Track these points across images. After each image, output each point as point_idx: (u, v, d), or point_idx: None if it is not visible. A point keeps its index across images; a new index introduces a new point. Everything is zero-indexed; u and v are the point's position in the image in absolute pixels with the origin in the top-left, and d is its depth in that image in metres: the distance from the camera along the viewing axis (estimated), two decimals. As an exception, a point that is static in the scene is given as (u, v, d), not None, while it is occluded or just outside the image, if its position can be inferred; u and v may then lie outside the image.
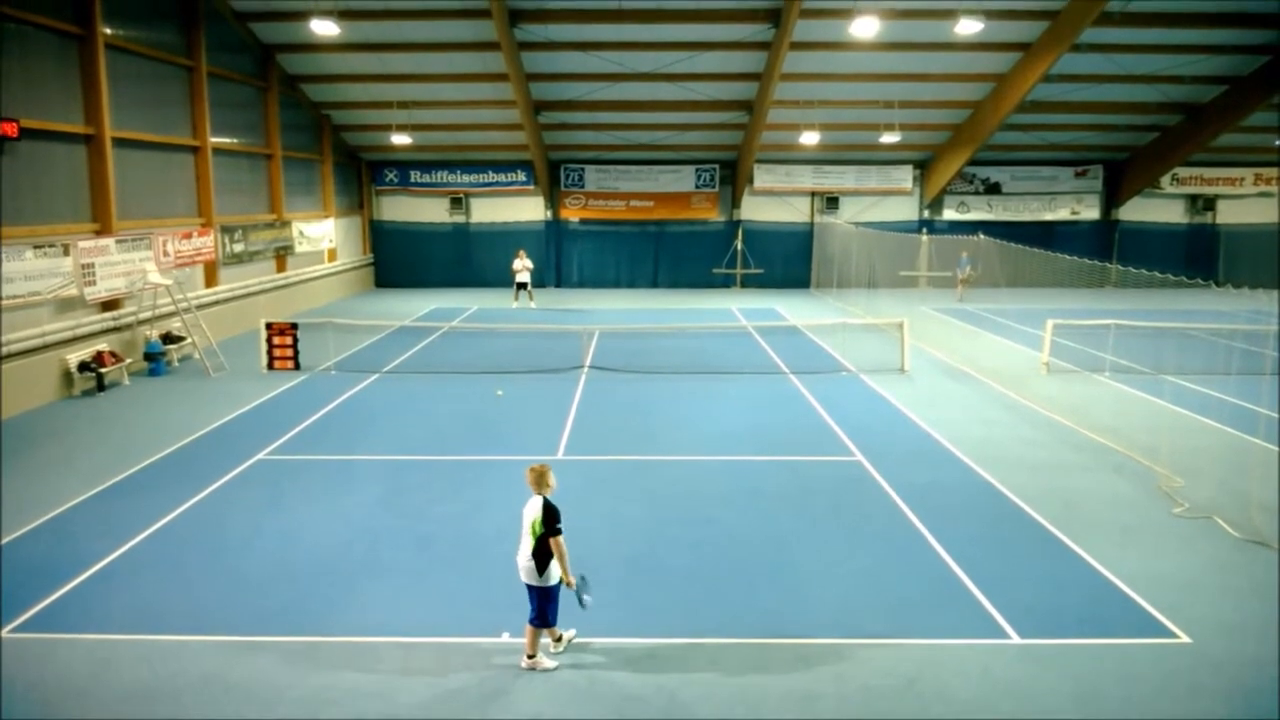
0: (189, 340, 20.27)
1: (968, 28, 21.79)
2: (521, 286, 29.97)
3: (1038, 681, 7.28)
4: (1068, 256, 29.69)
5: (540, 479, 7.45)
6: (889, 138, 31.30)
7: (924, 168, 35.74)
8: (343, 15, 22.82)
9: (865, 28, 21.76)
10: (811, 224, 36.25)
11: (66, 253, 17.32)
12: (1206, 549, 9.96)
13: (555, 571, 7.36)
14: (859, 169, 35.37)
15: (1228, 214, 36.96)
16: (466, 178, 35.29)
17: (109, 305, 18.99)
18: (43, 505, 11.18)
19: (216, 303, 23.41)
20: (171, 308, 20.08)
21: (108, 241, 18.56)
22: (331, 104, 30.66)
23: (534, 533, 7.30)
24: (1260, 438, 14.01)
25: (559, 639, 7.71)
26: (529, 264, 30.13)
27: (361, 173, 35.36)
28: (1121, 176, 35.95)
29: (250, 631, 8.05)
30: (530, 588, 7.42)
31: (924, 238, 34.87)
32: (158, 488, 11.90)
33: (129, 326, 19.44)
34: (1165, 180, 35.98)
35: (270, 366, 19.47)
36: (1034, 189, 36.25)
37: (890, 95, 29.62)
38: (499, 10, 23.34)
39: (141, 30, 20.34)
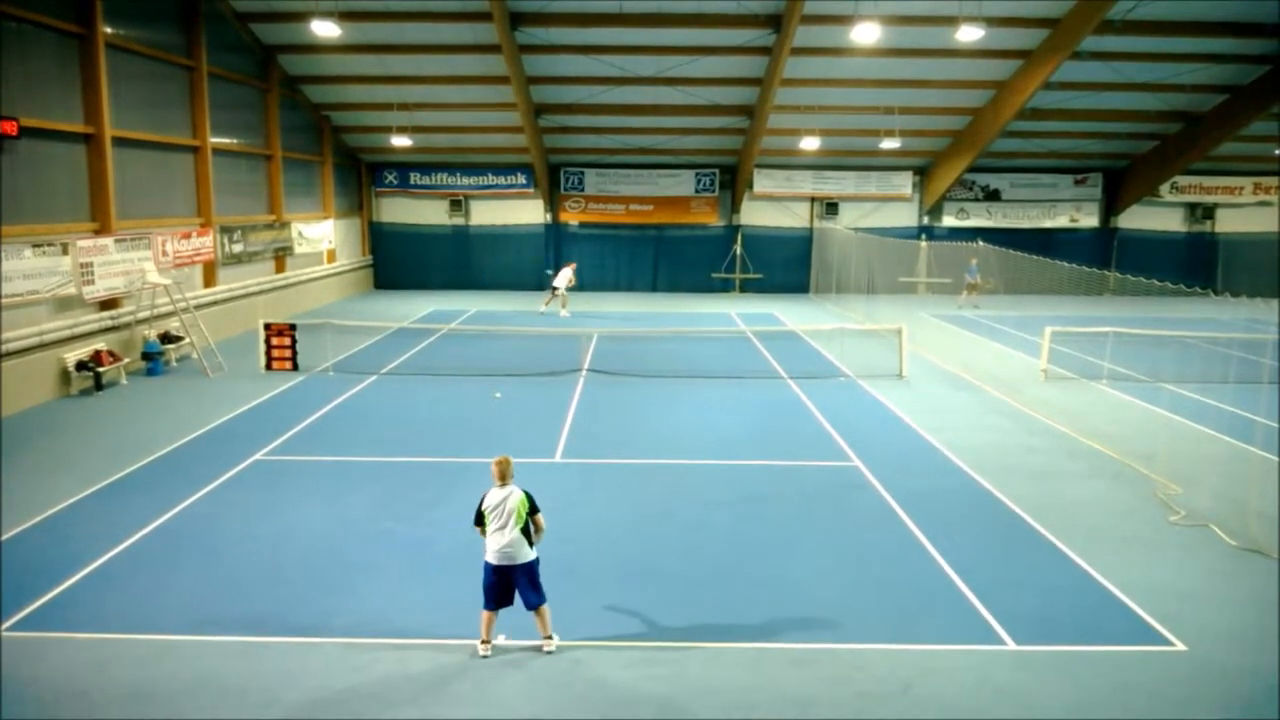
0: (187, 340, 20.26)
1: (969, 34, 21.82)
2: (556, 291, 29.57)
3: (1034, 688, 7.28)
4: (1066, 264, 29.73)
5: (507, 469, 7.93)
6: (889, 144, 31.34)
7: (924, 174, 35.79)
8: (344, 17, 22.83)
9: (866, 33, 21.78)
10: (811, 229, 36.28)
11: (65, 252, 17.31)
12: (1203, 557, 9.97)
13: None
14: (859, 175, 35.42)
15: (1227, 223, 37.03)
16: (466, 180, 35.31)
17: (107, 305, 18.97)
18: (40, 504, 11.17)
19: (215, 303, 23.40)
20: (170, 308, 20.07)
21: (107, 241, 18.55)
22: (332, 105, 30.68)
23: (520, 515, 7.80)
24: (1258, 446, 14.04)
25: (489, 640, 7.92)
26: (572, 279, 29.87)
27: (361, 174, 35.38)
28: (1121, 184, 36.00)
29: (247, 632, 8.04)
30: (518, 568, 7.78)
31: (923, 244, 34.91)
32: (155, 487, 11.88)
33: (127, 326, 19.43)
34: (1164, 188, 36.04)
35: (268, 367, 19.46)
36: (1033, 196, 36.31)
37: (891, 101, 29.66)
38: (500, 13, 23.37)
39: (142, 30, 20.35)
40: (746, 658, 7.72)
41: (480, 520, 7.91)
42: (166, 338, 20.25)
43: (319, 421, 15.47)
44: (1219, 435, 14.97)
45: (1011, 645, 7.96)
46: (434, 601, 8.73)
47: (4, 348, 15.67)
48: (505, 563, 7.76)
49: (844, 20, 23.55)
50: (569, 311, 29.26)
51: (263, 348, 19.52)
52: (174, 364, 20.16)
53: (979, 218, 36.28)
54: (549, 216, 35.87)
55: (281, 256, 28.06)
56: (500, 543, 7.76)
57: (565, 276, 29.68)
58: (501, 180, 35.28)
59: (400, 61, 27.21)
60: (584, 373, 19.60)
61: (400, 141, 31.08)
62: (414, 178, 35.41)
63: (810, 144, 31.37)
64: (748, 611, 8.57)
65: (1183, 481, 12.41)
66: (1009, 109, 28.42)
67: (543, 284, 35.90)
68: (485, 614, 7.82)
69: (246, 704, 6.97)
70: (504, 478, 7.89)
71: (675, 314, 29.98)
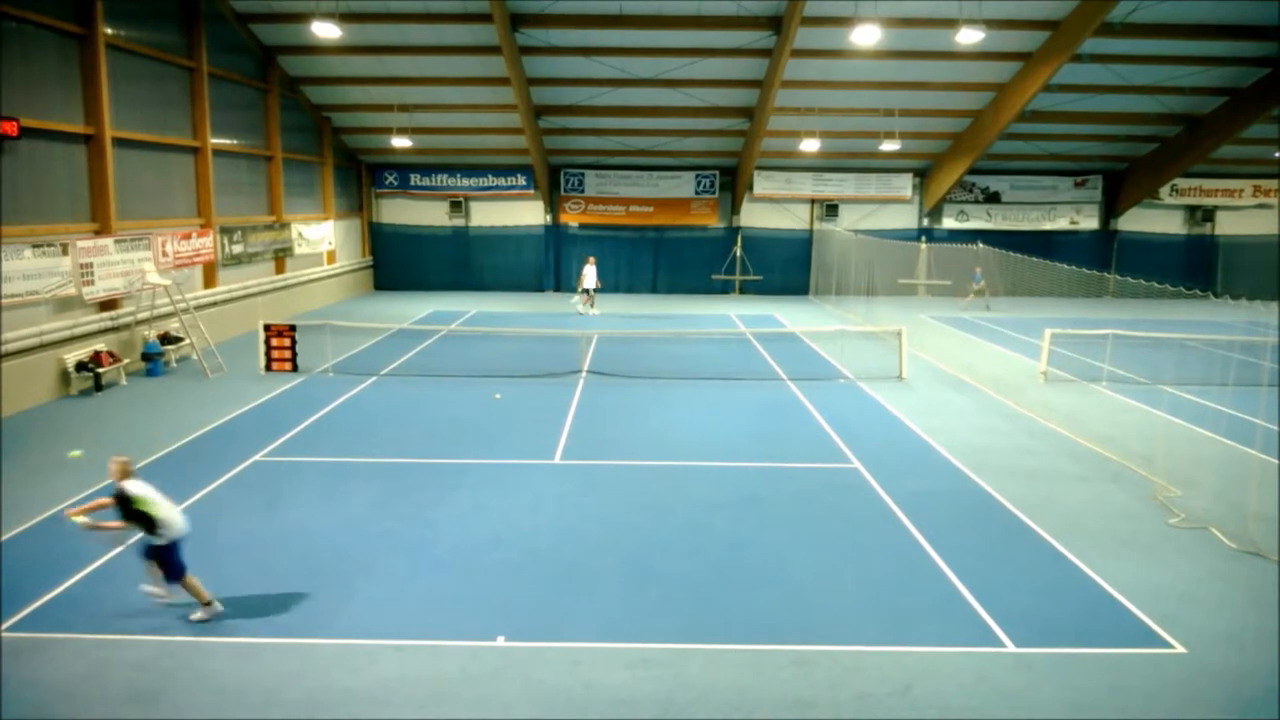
0: (187, 341, 20.26)
1: (969, 37, 21.82)
2: (587, 292, 29.79)
3: (1033, 690, 7.28)
4: (1066, 266, 29.77)
5: (129, 466, 8.41)
6: (889, 145, 31.34)
7: (924, 176, 35.80)
8: (344, 18, 22.84)
9: (866, 35, 21.79)
10: (811, 231, 36.29)
11: (65, 252, 17.31)
12: (1202, 559, 9.97)
13: None
14: (859, 176, 35.43)
15: (1226, 225, 37.04)
16: (466, 181, 35.31)
17: (107, 305, 18.97)
18: (40, 504, 11.17)
19: (215, 304, 23.40)
20: (170, 308, 20.07)
21: (107, 241, 18.56)
22: (332, 106, 30.69)
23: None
24: (1257, 449, 14.03)
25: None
26: (595, 271, 30.09)
27: (361, 175, 35.38)
28: (1121, 187, 36.01)
29: (246, 632, 8.05)
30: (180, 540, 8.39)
31: (923, 246, 34.93)
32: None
33: (127, 327, 19.43)
34: (1164, 191, 36.05)
35: (268, 368, 19.45)
36: (1033, 198, 36.31)
37: (891, 103, 29.66)
38: (500, 14, 23.38)
39: (143, 31, 20.36)
40: (746, 659, 7.73)
41: (136, 514, 8.15)
42: (166, 338, 20.25)
43: (319, 422, 15.47)
44: (1218, 438, 14.97)
45: (1010, 647, 7.96)
46: (433, 602, 8.73)
47: (4, 348, 15.67)
48: (184, 531, 8.37)
49: (844, 22, 23.57)
50: (590, 310, 29.60)
51: (262, 349, 19.52)
52: (174, 365, 20.16)
53: (979, 220, 36.29)
54: (549, 218, 35.88)
55: (281, 257, 28.06)
56: (175, 514, 8.32)
57: (592, 274, 29.82)
58: (501, 181, 35.29)
59: (400, 63, 27.23)
60: (584, 374, 19.60)
61: (400, 143, 31.09)
62: (414, 179, 35.41)
63: (810, 146, 31.35)
64: (747, 612, 8.58)
65: (1182, 484, 12.41)
66: (1009, 111, 28.43)
67: (542, 286, 36.10)
68: (190, 578, 8.32)
69: (245, 704, 6.97)
70: (127, 475, 8.29)
71: (675, 315, 29.99)
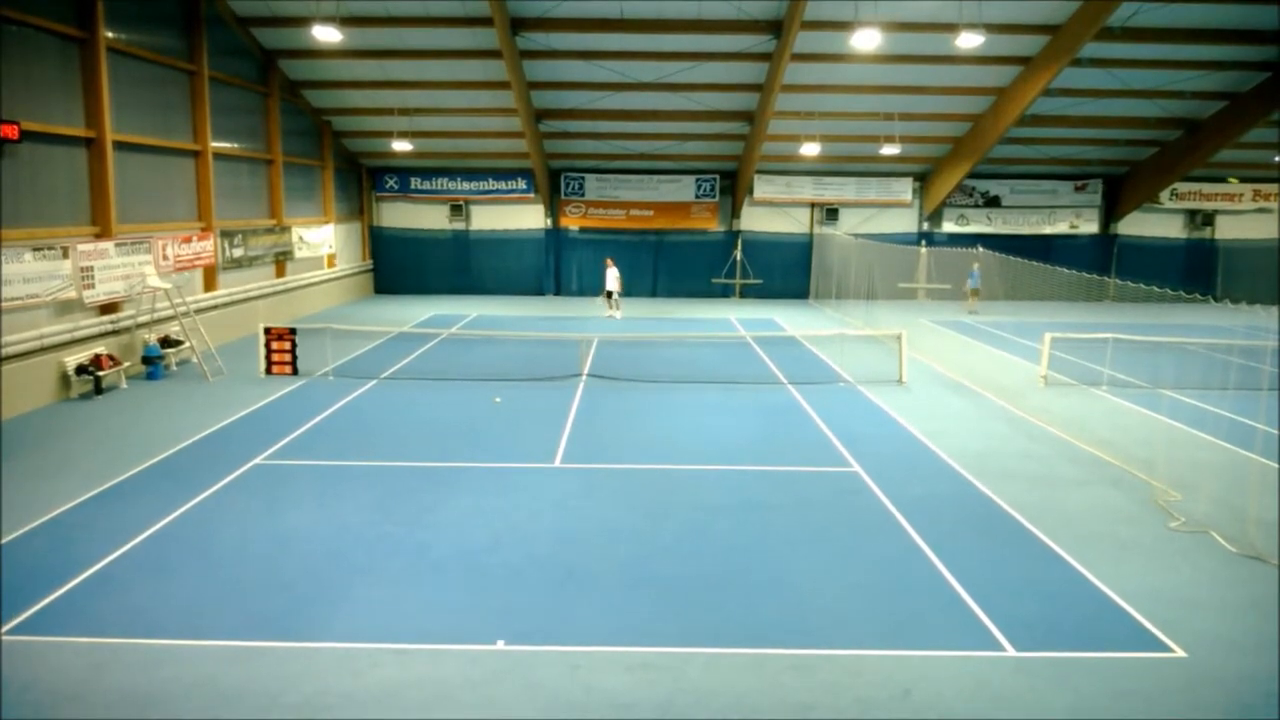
0: (187, 344, 20.27)
1: (969, 41, 21.86)
2: (609, 294, 29.89)
3: (1033, 695, 7.27)
4: (1066, 270, 29.79)
5: None
6: (889, 150, 31.37)
7: (924, 180, 35.83)
8: (345, 21, 22.88)
9: (866, 40, 21.82)
10: (811, 235, 36.32)
11: (66, 255, 17.32)
12: (1203, 563, 9.96)
13: None
14: (859, 181, 35.47)
15: (1226, 229, 37.07)
16: (467, 185, 35.35)
17: (107, 308, 18.98)
18: (39, 508, 11.16)
19: (215, 307, 23.41)
20: (170, 312, 20.08)
21: (107, 245, 18.57)
22: (333, 110, 30.72)
23: None
24: (1257, 453, 14.01)
25: None
26: (617, 272, 30.18)
27: (362, 179, 35.42)
28: (1120, 191, 36.05)
29: (245, 636, 8.03)
30: None
31: (923, 250, 34.95)
32: (154, 491, 11.88)
33: (127, 330, 19.43)
34: (1164, 195, 36.07)
35: (268, 371, 19.46)
36: (1033, 202, 36.33)
37: (891, 107, 29.71)
38: (501, 18, 23.42)
39: (143, 34, 20.39)
40: (746, 662, 7.72)
41: None
42: (166, 342, 20.25)
43: (319, 426, 15.47)
44: (1218, 441, 14.96)
45: (1011, 651, 7.95)
46: (433, 606, 8.72)
47: (4, 351, 15.67)
48: None
49: (844, 26, 23.60)
50: (617, 313, 29.73)
51: (263, 352, 19.52)
52: (174, 368, 20.16)
53: (979, 224, 36.32)
54: (549, 221, 35.92)
55: (282, 261, 28.08)
56: None
57: (614, 276, 29.90)
58: (502, 185, 35.32)
59: (401, 66, 27.26)
60: (584, 378, 19.60)
61: (401, 146, 31.11)
62: (414, 182, 35.46)
63: (810, 150, 31.38)
64: (747, 616, 8.56)
65: (1182, 488, 12.41)
66: (1009, 115, 28.46)
67: (543, 289, 36.14)
68: None
69: (244, 708, 6.96)
70: None
71: (675, 319, 29.99)
